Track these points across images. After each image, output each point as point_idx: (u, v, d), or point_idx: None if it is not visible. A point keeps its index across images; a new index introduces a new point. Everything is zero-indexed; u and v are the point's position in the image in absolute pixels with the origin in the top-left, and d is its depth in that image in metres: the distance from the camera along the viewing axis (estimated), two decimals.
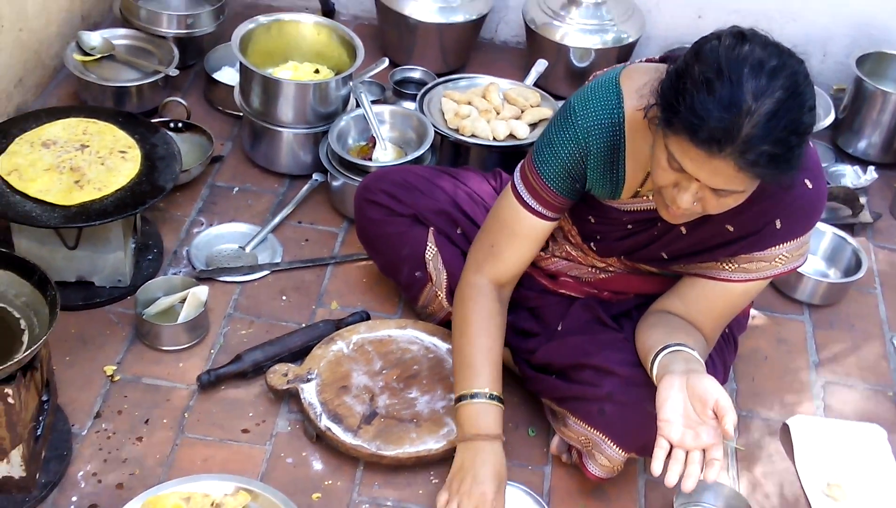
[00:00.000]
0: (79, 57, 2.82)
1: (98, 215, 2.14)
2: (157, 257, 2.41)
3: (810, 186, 1.83)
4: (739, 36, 1.62)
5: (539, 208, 1.94)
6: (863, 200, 2.77)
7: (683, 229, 1.91)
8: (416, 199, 2.25)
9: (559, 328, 2.11)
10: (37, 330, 1.85)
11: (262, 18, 2.69)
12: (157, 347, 2.21)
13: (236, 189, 2.66)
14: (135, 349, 2.22)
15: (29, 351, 1.75)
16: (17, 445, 1.82)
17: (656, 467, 1.74)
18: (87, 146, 2.28)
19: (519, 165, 1.98)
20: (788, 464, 2.14)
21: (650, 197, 1.90)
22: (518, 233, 1.97)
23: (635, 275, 2.11)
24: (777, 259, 1.88)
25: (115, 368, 2.16)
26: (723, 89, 1.56)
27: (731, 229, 1.86)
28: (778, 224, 1.84)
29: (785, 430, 2.20)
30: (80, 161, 2.24)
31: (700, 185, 1.67)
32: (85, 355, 2.17)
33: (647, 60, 1.91)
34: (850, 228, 2.74)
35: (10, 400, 1.76)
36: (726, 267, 1.91)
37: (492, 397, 1.96)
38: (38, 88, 2.85)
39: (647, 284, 2.11)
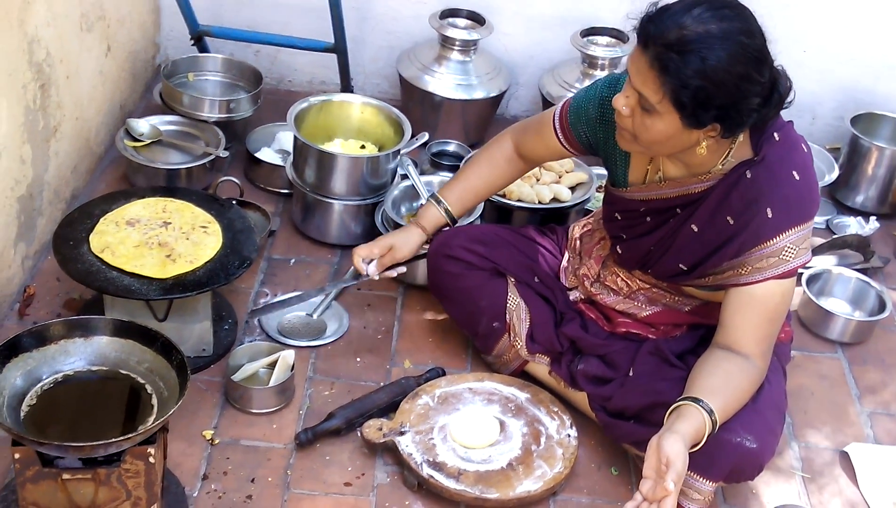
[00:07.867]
0: (129, 142, 2.93)
1: (194, 286, 2.25)
2: (233, 326, 2.52)
3: (797, 178, 2.06)
4: None
5: (559, 131, 2.34)
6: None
7: (694, 227, 2.13)
8: (494, 252, 2.42)
9: (630, 374, 2.26)
10: (165, 393, 1.94)
11: (312, 99, 2.84)
12: (249, 410, 2.31)
13: (293, 261, 2.79)
14: (227, 414, 2.31)
15: (171, 411, 1.84)
16: (151, 505, 1.90)
17: None
18: (170, 223, 2.40)
19: (567, 98, 2.36)
20: (853, 488, 2.31)
21: (660, 183, 2.16)
22: (543, 138, 2.38)
23: (678, 310, 2.31)
24: (783, 253, 2.05)
25: (212, 432, 2.25)
26: (679, 6, 1.91)
27: (730, 220, 2.08)
28: (769, 212, 2.05)
29: (844, 457, 2.37)
30: (167, 237, 2.35)
31: (631, 89, 1.97)
32: (181, 421, 2.25)
33: None
34: (863, 273, 2.95)
35: (152, 460, 1.85)
36: (741, 271, 2.08)
37: (447, 211, 2.45)
38: (88, 173, 2.95)
39: (692, 315, 2.30)
